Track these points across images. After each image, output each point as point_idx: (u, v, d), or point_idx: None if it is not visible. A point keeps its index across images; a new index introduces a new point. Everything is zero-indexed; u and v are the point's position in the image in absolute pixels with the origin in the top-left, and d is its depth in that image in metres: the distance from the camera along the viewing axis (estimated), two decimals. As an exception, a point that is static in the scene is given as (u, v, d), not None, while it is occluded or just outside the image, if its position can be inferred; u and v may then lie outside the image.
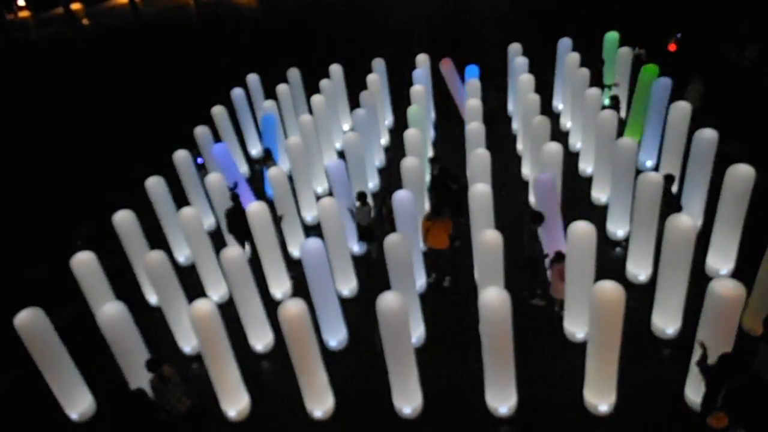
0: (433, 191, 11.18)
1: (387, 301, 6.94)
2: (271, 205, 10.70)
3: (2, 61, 37.78)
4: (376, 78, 14.96)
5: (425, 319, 8.98)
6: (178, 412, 7.25)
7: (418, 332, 8.80)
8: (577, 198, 11.68)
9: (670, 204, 9.29)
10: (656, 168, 11.93)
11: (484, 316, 6.80)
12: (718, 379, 6.10)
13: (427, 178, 11.88)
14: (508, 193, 12.05)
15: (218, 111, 14.34)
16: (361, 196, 10.46)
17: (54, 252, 11.97)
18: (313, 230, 11.77)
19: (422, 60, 15.70)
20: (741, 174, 8.40)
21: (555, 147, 10.14)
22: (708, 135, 9.54)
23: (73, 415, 8.39)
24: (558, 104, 15.76)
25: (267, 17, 38.54)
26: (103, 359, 8.13)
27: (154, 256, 8.71)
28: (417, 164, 10.29)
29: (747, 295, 8.02)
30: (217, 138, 13.98)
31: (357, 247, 11.03)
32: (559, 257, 8.44)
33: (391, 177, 12.73)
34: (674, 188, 10.05)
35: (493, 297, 6.69)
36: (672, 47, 17.27)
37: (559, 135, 14.21)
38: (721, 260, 9.11)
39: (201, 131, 13.38)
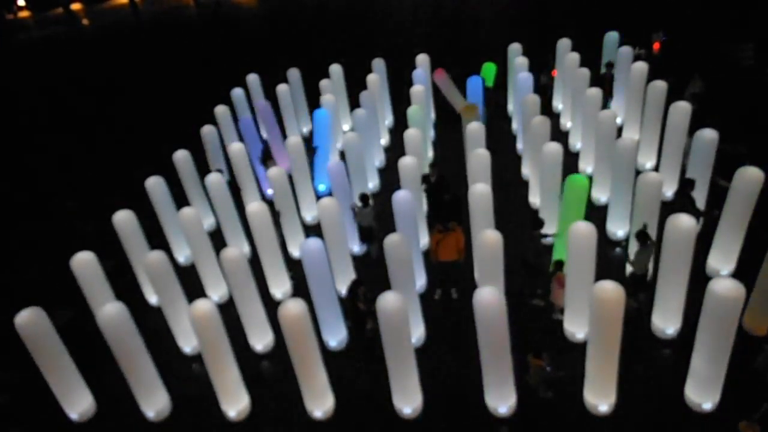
0: (429, 201, 11.12)
1: (387, 301, 6.93)
2: (271, 205, 10.70)
3: (2, 61, 37.77)
4: (376, 78, 14.95)
5: (425, 318, 8.97)
6: None
7: (418, 332, 8.80)
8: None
9: (696, 210, 8.93)
10: (656, 168, 11.93)
11: (479, 317, 6.77)
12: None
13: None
14: (509, 193, 12.04)
15: (221, 111, 14.46)
16: (364, 198, 10.46)
17: (54, 252, 11.96)
18: (313, 230, 11.78)
19: (422, 60, 15.68)
20: (750, 177, 8.38)
21: (555, 147, 10.13)
22: (708, 135, 9.54)
23: (73, 415, 8.39)
24: (558, 104, 15.76)
25: (267, 17, 38.54)
26: (103, 359, 8.13)
27: (154, 256, 8.71)
28: (415, 164, 10.28)
29: (747, 295, 8.05)
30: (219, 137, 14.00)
31: (357, 247, 11.02)
32: (560, 264, 8.42)
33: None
34: (693, 193, 9.25)
35: (490, 298, 6.67)
36: (656, 46, 17.44)
37: (559, 135, 14.21)
38: (723, 261, 9.10)
39: (208, 130, 13.55)
